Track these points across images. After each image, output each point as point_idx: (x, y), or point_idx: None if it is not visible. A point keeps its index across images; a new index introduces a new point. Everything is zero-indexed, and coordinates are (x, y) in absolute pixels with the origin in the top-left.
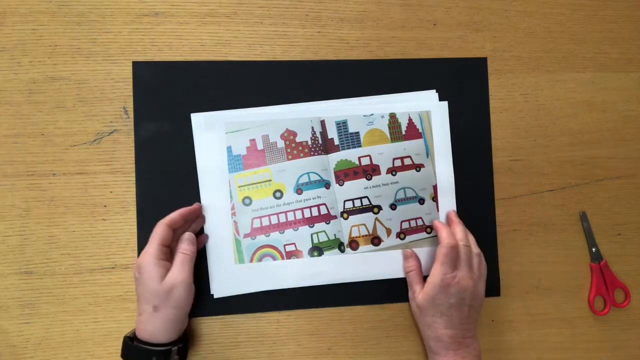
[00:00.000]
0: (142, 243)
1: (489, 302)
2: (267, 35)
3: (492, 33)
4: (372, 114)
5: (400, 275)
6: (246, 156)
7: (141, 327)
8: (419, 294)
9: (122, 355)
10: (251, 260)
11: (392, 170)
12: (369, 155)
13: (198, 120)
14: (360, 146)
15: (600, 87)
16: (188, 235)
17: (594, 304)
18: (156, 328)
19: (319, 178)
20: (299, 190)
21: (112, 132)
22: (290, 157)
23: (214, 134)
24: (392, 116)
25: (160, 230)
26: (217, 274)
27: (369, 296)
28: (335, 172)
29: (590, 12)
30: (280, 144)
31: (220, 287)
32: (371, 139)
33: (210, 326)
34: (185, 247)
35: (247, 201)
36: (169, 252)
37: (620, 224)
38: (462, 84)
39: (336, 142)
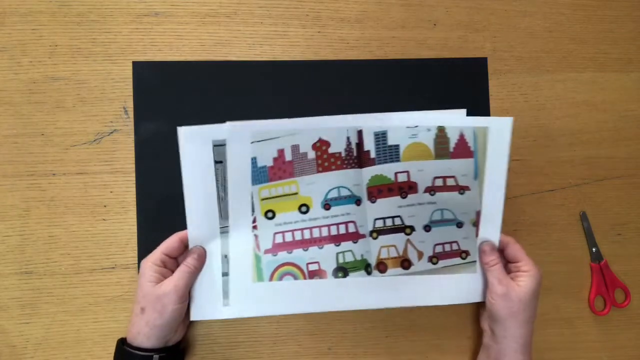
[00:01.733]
0: (142, 243)
1: None
2: (267, 35)
3: (492, 33)
4: (416, 126)
5: (431, 302)
6: (272, 167)
7: (129, 329)
8: (515, 287)
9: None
10: (271, 279)
11: (431, 190)
12: (407, 172)
13: (219, 131)
14: (398, 160)
15: (600, 87)
16: (197, 250)
17: (594, 304)
18: (139, 330)
19: (349, 193)
20: (326, 206)
21: (112, 132)
22: (320, 169)
23: (238, 144)
24: (441, 130)
25: (169, 239)
26: (234, 292)
27: None
28: (368, 188)
29: (590, 12)
30: (311, 154)
31: (237, 306)
32: (412, 153)
33: (210, 326)
34: (190, 260)
35: (269, 214)
36: (172, 264)
37: (620, 224)
38: (462, 84)
39: (372, 154)
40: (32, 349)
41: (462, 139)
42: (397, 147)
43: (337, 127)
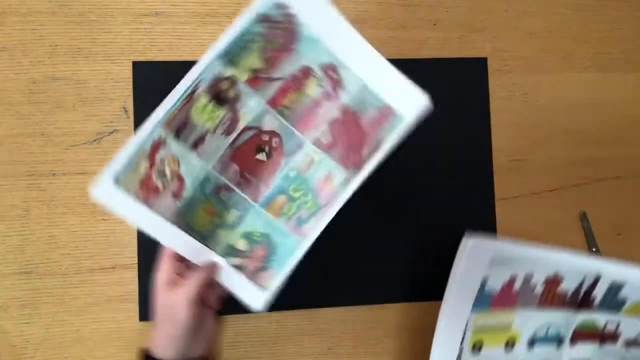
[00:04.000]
0: (142, 243)
1: None
2: None
3: (492, 33)
4: None
5: None
6: (497, 296)
7: (151, 338)
8: None
9: None
10: None
11: (632, 344)
12: (619, 322)
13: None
14: (617, 313)
15: (600, 87)
16: (211, 262)
17: None
18: (156, 340)
19: (556, 333)
20: (531, 343)
21: (112, 132)
22: (541, 305)
23: (474, 261)
24: None
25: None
26: None
27: (369, 296)
28: (575, 332)
29: (590, 12)
30: (539, 289)
31: None
32: (637, 311)
33: None
34: (202, 272)
35: (477, 347)
36: (184, 268)
37: (620, 224)
38: (462, 84)
39: (596, 302)
40: (32, 349)
41: None
42: (624, 300)
43: (576, 269)
